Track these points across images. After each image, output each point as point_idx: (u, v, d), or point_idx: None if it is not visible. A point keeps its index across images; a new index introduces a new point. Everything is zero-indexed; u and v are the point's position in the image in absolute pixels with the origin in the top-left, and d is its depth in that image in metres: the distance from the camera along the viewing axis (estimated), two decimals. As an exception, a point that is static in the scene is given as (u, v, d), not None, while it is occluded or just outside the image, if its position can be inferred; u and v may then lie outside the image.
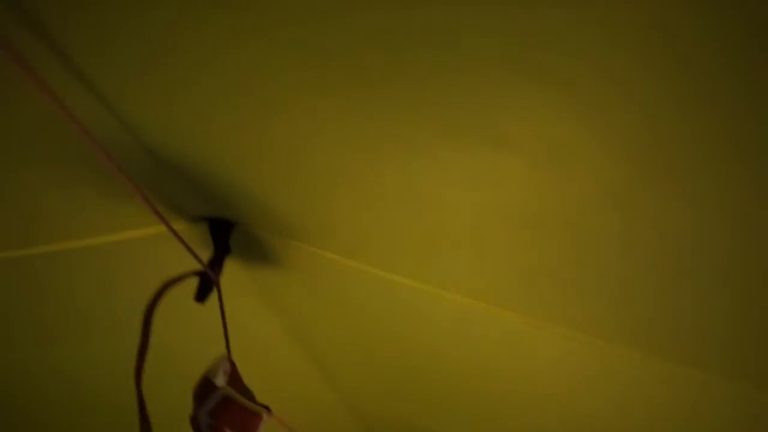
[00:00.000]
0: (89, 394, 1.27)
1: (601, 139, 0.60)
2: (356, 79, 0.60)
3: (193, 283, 0.97)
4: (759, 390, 0.90)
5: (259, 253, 1.04)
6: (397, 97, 0.62)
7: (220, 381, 0.99)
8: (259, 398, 0.99)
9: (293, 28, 0.56)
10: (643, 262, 0.75)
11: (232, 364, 1.01)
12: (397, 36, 0.54)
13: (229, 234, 1.01)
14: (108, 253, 0.99)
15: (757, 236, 0.66)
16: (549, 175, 0.67)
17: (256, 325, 1.14)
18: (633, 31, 0.48)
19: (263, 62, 0.62)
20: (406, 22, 0.52)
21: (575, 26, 0.49)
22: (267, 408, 0.98)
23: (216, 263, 1.00)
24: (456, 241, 0.84)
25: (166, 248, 0.92)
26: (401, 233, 0.88)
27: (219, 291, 1.01)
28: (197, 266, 0.96)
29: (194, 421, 0.96)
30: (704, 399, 0.97)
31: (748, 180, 0.59)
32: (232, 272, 1.02)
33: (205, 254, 0.98)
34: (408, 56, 0.56)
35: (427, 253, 0.90)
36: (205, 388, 0.97)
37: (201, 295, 0.99)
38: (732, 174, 0.59)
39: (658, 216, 0.67)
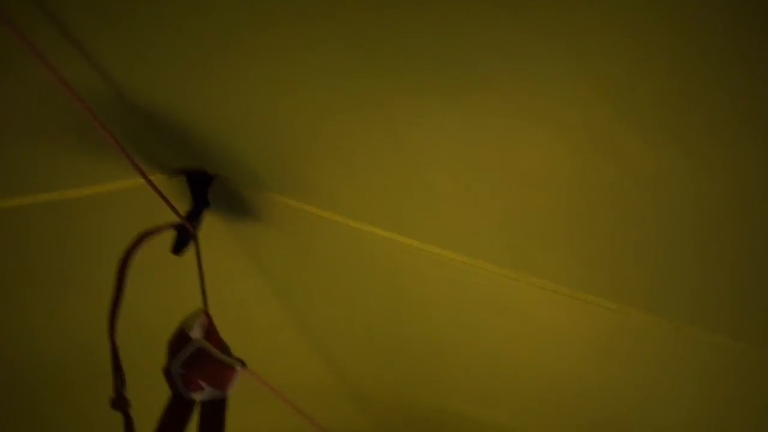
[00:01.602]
0: (72, 350, 1.26)
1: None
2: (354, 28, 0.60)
3: (172, 239, 0.96)
4: (734, 340, 0.94)
5: (238, 208, 1.03)
6: (405, 50, 0.62)
7: (196, 333, 0.99)
8: (237, 353, 1.00)
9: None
10: (630, 215, 0.77)
11: (209, 318, 1.02)
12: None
13: (207, 187, 0.99)
14: (85, 206, 0.97)
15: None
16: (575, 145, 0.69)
17: (234, 280, 1.14)
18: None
19: (251, 21, 0.61)
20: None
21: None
22: (242, 362, 0.99)
23: (194, 216, 0.99)
24: (444, 195, 0.84)
25: (145, 202, 0.91)
26: (388, 189, 0.88)
27: (197, 244, 1.00)
28: (175, 219, 0.95)
29: (168, 373, 0.96)
30: (681, 349, 1.01)
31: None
32: (210, 227, 1.01)
33: (184, 208, 0.97)
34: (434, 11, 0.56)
35: (416, 207, 0.90)
36: (179, 340, 0.97)
37: (178, 247, 0.98)
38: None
39: (653, 173, 0.69)
